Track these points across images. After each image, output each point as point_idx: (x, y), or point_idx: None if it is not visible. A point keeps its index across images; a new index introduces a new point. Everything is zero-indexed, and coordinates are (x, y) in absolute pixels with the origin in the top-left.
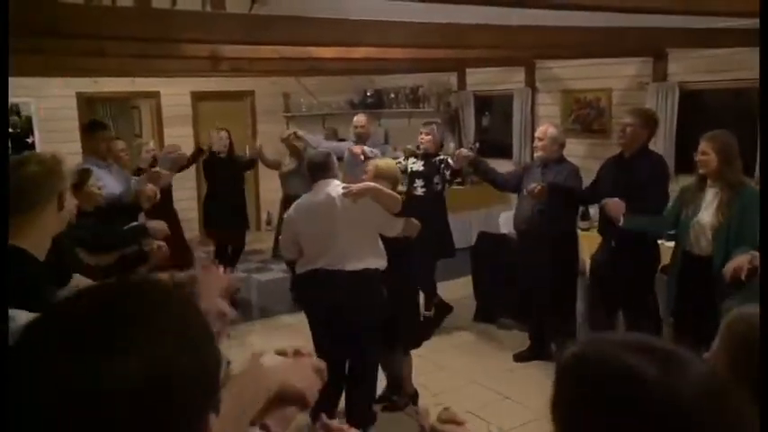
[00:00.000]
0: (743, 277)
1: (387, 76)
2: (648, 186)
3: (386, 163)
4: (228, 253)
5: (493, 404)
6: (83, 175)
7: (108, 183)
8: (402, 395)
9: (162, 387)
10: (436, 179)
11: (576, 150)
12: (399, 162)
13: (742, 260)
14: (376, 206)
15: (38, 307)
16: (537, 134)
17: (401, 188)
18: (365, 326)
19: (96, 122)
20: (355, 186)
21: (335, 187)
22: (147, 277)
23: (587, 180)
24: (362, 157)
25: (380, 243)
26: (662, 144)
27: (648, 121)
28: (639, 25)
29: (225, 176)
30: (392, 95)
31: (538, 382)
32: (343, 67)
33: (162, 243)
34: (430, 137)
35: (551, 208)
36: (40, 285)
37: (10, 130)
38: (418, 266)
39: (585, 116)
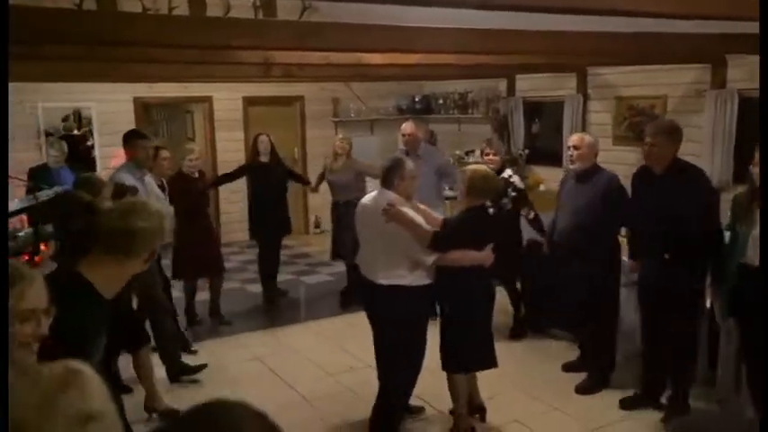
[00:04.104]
0: None
1: (436, 81)
2: (693, 214)
3: (480, 174)
4: (274, 257)
5: (541, 415)
6: (131, 192)
7: (141, 195)
8: (461, 421)
9: None
10: (504, 200)
11: (627, 158)
12: None
13: None
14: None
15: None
16: (572, 143)
17: None
18: (387, 336)
19: (136, 132)
20: (394, 209)
21: (384, 199)
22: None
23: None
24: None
25: (419, 261)
26: (720, 153)
27: (673, 135)
28: (698, 31)
29: (267, 182)
30: (441, 101)
31: (587, 394)
32: (392, 72)
33: None
34: (497, 157)
35: (592, 224)
36: (94, 321)
37: (71, 133)
38: (481, 289)
39: (638, 124)
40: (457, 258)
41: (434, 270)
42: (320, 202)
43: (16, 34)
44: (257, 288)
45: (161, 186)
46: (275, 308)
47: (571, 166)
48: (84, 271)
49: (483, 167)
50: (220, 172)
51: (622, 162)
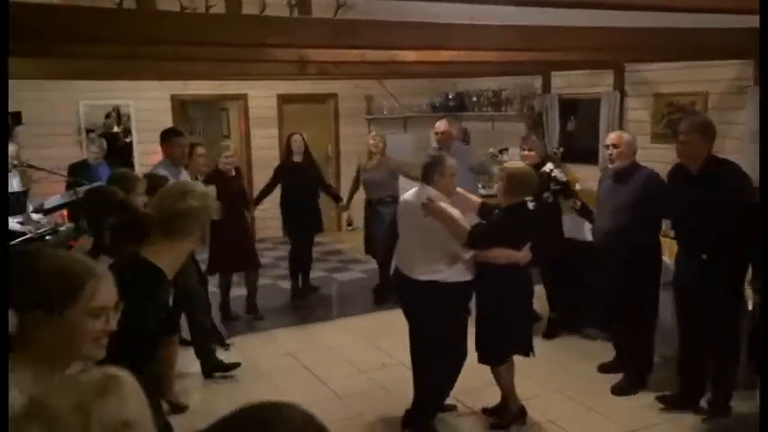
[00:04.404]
0: None
1: (469, 79)
2: (731, 213)
3: (518, 172)
4: (306, 255)
5: (576, 415)
6: (161, 182)
7: None
8: (506, 412)
9: None
10: (546, 194)
11: (665, 156)
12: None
13: None
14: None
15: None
16: (610, 141)
17: None
18: (424, 333)
19: (172, 130)
20: (432, 204)
21: (424, 195)
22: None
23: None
24: None
25: (457, 256)
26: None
27: (706, 132)
28: (740, 26)
29: (300, 182)
30: (474, 98)
31: (623, 395)
32: (425, 69)
33: None
34: (533, 152)
35: (631, 223)
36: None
37: (111, 130)
38: (517, 283)
39: (678, 121)
40: (494, 256)
41: (474, 266)
42: (353, 200)
43: (59, 33)
44: (290, 284)
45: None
46: (308, 304)
47: (610, 166)
48: (148, 257)
49: (521, 165)
50: (255, 169)
51: (661, 160)
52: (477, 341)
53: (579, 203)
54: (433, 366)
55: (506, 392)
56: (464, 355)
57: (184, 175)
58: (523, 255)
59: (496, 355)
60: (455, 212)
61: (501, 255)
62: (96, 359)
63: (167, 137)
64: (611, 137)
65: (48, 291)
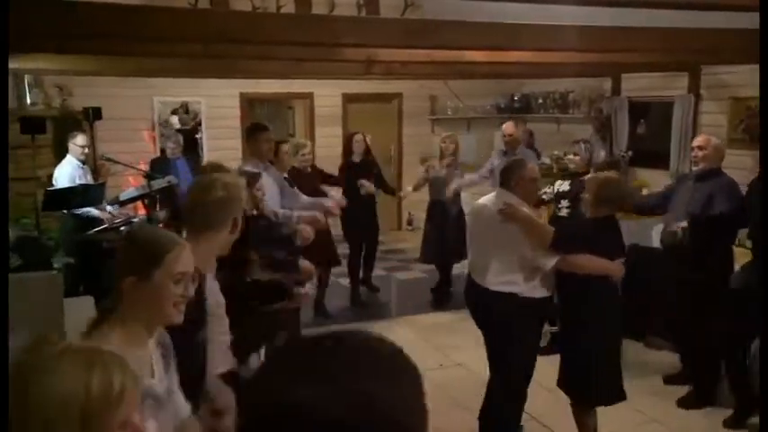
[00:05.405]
0: None
1: (535, 80)
2: None
3: (609, 183)
4: (363, 254)
5: (639, 427)
6: (252, 178)
7: (266, 184)
8: None
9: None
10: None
11: (743, 162)
12: (546, 191)
13: None
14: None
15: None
16: (697, 143)
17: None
18: (496, 346)
19: (258, 125)
20: (510, 208)
21: (502, 200)
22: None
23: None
24: None
25: (536, 269)
26: None
27: None
28: None
29: (359, 180)
30: (540, 100)
31: (690, 409)
32: (493, 70)
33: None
34: (578, 157)
35: (703, 228)
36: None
37: (180, 126)
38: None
39: (757, 126)
40: (583, 264)
41: (553, 283)
42: (415, 200)
43: (136, 32)
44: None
45: (288, 181)
46: (367, 302)
47: (694, 168)
48: None
49: (611, 175)
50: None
51: (738, 166)
52: (562, 374)
53: None
54: (503, 377)
55: None
56: (529, 376)
57: (272, 171)
58: (618, 267)
59: (587, 395)
60: (536, 216)
61: (592, 263)
62: (175, 323)
63: (253, 132)
64: (699, 139)
65: (139, 257)
